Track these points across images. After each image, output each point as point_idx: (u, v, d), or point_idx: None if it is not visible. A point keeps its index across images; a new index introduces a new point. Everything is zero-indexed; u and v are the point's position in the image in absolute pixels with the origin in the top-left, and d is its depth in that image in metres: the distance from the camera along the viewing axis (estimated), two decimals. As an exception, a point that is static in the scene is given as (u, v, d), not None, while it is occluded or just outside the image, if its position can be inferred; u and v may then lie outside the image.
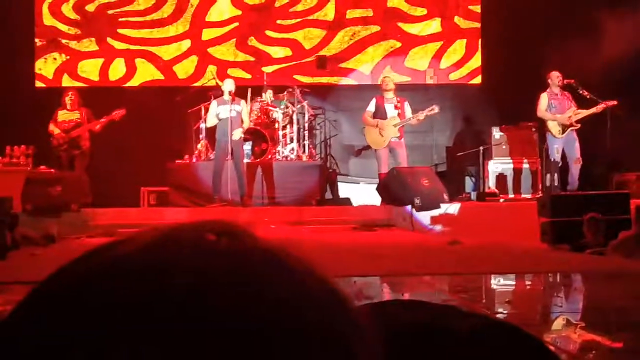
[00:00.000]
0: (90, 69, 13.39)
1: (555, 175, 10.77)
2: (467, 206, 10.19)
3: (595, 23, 12.74)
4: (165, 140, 12.22)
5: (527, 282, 5.26)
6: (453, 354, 0.63)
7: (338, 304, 0.49)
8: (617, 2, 12.87)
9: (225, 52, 13.21)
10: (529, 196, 11.27)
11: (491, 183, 11.68)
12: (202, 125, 11.83)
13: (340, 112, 13.24)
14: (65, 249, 7.64)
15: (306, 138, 12.17)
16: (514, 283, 5.29)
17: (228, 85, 10.94)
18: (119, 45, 13.37)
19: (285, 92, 12.24)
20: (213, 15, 13.26)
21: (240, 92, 11.26)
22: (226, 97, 10.86)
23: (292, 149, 11.95)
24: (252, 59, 13.14)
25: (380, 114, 11.28)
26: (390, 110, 11.29)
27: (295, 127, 12.00)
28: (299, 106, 12.13)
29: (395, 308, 0.70)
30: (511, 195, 11.44)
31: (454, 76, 13.33)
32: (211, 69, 13.08)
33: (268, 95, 12.07)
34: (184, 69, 13.12)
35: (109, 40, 13.36)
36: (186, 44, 13.27)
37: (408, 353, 0.63)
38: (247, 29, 13.11)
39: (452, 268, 5.57)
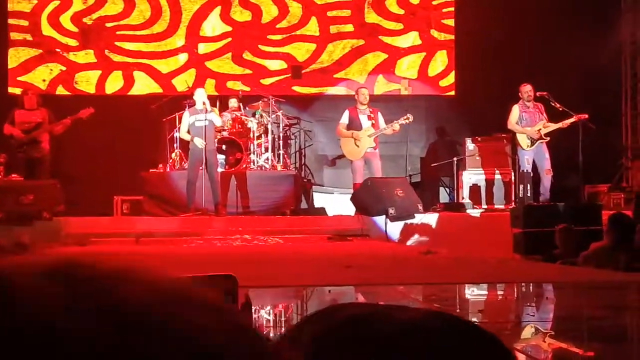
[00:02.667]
0: (87, 80, 13.34)
1: (528, 186, 10.86)
2: (441, 217, 10.24)
3: (567, 36, 12.91)
4: (139, 149, 12.16)
5: (500, 292, 5.29)
6: (391, 341, 0.63)
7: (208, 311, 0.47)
8: (588, 16, 13.05)
9: (223, 65, 13.31)
10: (502, 207, 11.36)
11: (465, 194, 11.75)
12: (177, 134, 11.79)
13: (316, 122, 13.27)
14: (37, 258, 7.56)
15: (281, 148, 12.17)
16: (486, 293, 5.33)
17: (200, 95, 10.91)
18: (116, 57, 13.37)
19: (260, 102, 12.24)
20: (206, 30, 13.39)
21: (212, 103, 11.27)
22: (199, 106, 10.83)
23: (267, 159, 11.94)
24: (249, 71, 13.29)
25: (354, 125, 11.32)
26: (364, 121, 11.34)
27: (270, 136, 12.00)
28: (273, 116, 12.14)
29: (344, 307, 0.70)
30: (484, 206, 11.52)
31: (443, 83, 13.45)
32: (185, 78, 13.06)
33: (233, 103, 12.09)
34: (183, 82, 13.05)
35: (107, 52, 13.35)
36: (183, 57, 13.33)
37: (345, 343, 0.63)
38: (241, 44, 13.26)
39: (426, 278, 5.59)
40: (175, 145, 11.89)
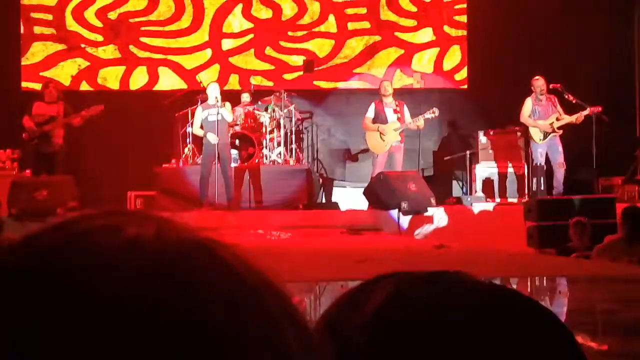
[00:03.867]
0: (111, 76, 13.36)
1: (542, 179, 10.81)
2: (454, 210, 10.22)
3: (580, 28, 12.84)
4: (152, 144, 12.19)
5: (514, 286, 5.28)
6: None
7: (275, 299, 0.48)
8: (601, 8, 12.97)
9: (246, 60, 13.38)
10: (515, 200, 11.32)
11: (478, 187, 11.72)
12: (189, 130, 11.81)
13: (328, 116, 13.26)
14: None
15: (293, 142, 12.17)
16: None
17: (212, 90, 10.91)
18: (141, 53, 13.39)
19: (272, 96, 12.25)
20: (229, 26, 13.48)
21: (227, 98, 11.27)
22: (211, 101, 10.84)
23: (279, 153, 11.95)
24: (272, 67, 13.36)
25: (380, 119, 11.29)
26: (390, 114, 11.31)
27: (282, 131, 12.01)
28: (285, 110, 12.14)
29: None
30: (497, 200, 11.49)
31: (458, 77, 13.49)
32: (199, 76, 13.08)
33: (245, 98, 12.10)
34: (207, 78, 13.08)
35: (132, 48, 13.36)
36: (208, 53, 13.40)
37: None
38: (262, 40, 13.36)
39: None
40: (188, 140, 11.91)
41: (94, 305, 0.42)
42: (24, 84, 13.12)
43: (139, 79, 13.39)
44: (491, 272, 5.63)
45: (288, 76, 13.34)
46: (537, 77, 10.97)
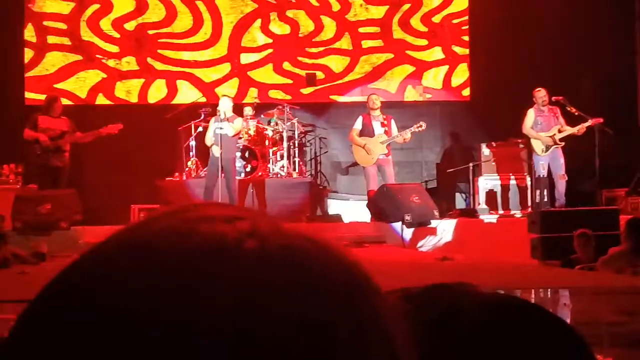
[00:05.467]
0: (128, 89, 13.31)
1: (544, 191, 10.81)
2: (458, 223, 10.22)
3: (582, 40, 12.87)
4: (156, 158, 12.20)
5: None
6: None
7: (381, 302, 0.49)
8: (602, 21, 13.00)
9: (265, 75, 13.49)
10: (518, 212, 11.31)
11: (481, 199, 11.71)
12: (192, 143, 11.83)
13: (331, 129, 13.29)
14: (55, 268, 7.61)
15: (296, 155, 12.20)
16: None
17: (221, 103, 10.91)
18: (159, 65, 13.37)
19: (275, 110, 12.29)
20: (247, 41, 13.59)
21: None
22: (221, 115, 10.83)
23: (283, 166, 11.97)
24: (290, 81, 13.50)
25: (367, 131, 11.33)
26: (377, 127, 11.34)
27: (285, 144, 12.03)
28: (288, 123, 12.17)
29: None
30: (500, 212, 11.48)
31: (465, 92, 13.68)
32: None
33: (248, 112, 12.13)
34: (226, 92, 13.10)
35: (150, 60, 13.33)
36: (227, 67, 13.47)
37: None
38: (280, 55, 13.50)
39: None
40: (191, 153, 11.93)
41: (216, 290, 0.43)
42: (33, 96, 12.93)
43: (157, 92, 13.35)
44: (495, 284, 5.63)
45: (305, 90, 13.45)
46: (538, 89, 10.99)
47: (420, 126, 11.29)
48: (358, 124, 11.42)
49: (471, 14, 13.52)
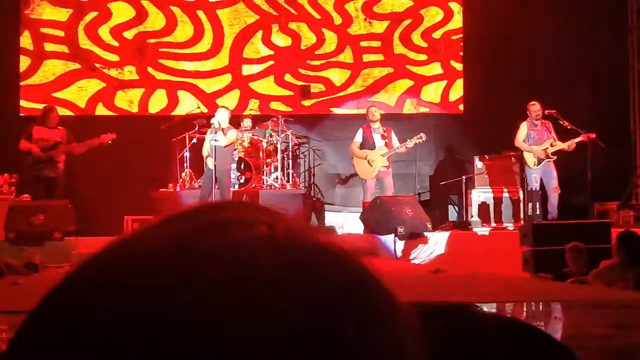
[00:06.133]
0: (130, 98, 13.21)
1: (537, 204, 10.85)
2: (451, 235, 10.24)
3: (576, 54, 12.95)
4: (150, 169, 12.20)
5: (509, 311, 5.29)
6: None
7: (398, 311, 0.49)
8: (596, 34, 13.09)
9: (266, 86, 13.49)
10: (510, 225, 11.35)
11: (474, 212, 11.74)
12: (186, 154, 11.84)
13: (325, 141, 13.32)
14: (48, 278, 7.60)
15: (290, 167, 12.22)
16: (495, 312, 5.32)
17: (217, 115, 10.93)
18: (159, 75, 13.27)
19: (270, 121, 12.32)
20: (249, 52, 13.56)
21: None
22: (215, 126, 10.85)
23: (276, 178, 11.99)
24: (291, 93, 13.49)
25: (367, 144, 11.37)
26: (377, 140, 11.39)
27: (279, 155, 12.06)
28: (283, 135, 12.20)
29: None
30: (493, 224, 11.51)
31: (462, 107, 13.75)
32: (195, 99, 13.11)
33: (246, 123, 12.15)
34: (227, 102, 13.08)
35: (150, 70, 13.22)
36: (227, 77, 13.44)
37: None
38: (282, 67, 13.52)
39: (434, 297, 5.59)
40: (185, 164, 11.94)
41: (235, 298, 0.42)
42: (30, 105, 12.85)
43: (160, 102, 13.27)
44: (487, 297, 5.65)
45: (306, 103, 13.49)
46: (533, 102, 11.05)
47: (421, 137, 11.34)
48: (358, 137, 11.45)
49: (465, 29, 13.61)
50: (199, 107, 12.73)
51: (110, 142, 10.79)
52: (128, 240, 0.47)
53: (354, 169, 11.73)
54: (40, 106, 11.90)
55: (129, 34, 13.24)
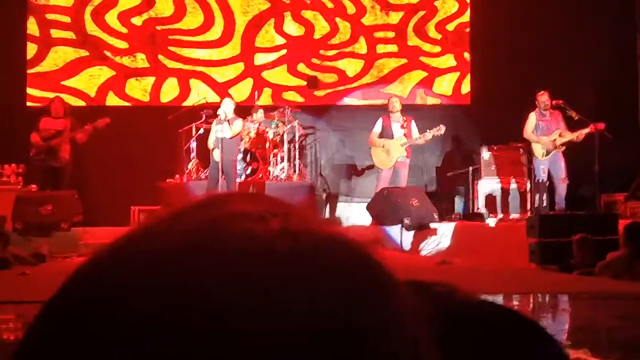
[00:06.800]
0: (143, 87, 13.04)
1: (544, 195, 10.82)
2: (457, 226, 10.23)
3: (584, 44, 12.89)
4: (156, 159, 12.21)
5: (515, 303, 5.29)
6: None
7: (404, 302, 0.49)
8: (604, 25, 13.03)
9: (279, 76, 13.39)
10: (517, 216, 11.32)
11: (480, 203, 11.72)
12: (193, 145, 11.84)
13: (332, 131, 13.30)
14: (56, 268, 7.63)
15: (297, 158, 12.21)
16: (502, 303, 5.32)
17: (223, 105, 10.91)
18: (171, 64, 13.09)
19: (276, 112, 12.29)
20: (261, 41, 13.43)
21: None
22: (222, 117, 10.83)
23: (283, 169, 11.98)
24: (303, 83, 13.41)
25: (386, 133, 11.37)
26: (396, 130, 11.38)
27: (285, 146, 12.04)
28: (289, 126, 12.18)
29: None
30: (500, 216, 11.48)
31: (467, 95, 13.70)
32: (200, 91, 13.07)
33: (259, 115, 12.11)
34: (239, 91, 13.03)
35: (161, 58, 13.00)
36: (240, 66, 13.30)
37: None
38: (295, 56, 13.41)
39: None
40: (191, 155, 11.94)
41: (246, 292, 0.42)
42: (38, 93, 12.76)
43: (173, 91, 13.12)
44: (493, 288, 5.64)
45: (319, 93, 13.43)
46: (541, 92, 10.98)
47: (440, 129, 11.34)
48: (378, 127, 11.45)
49: (473, 19, 13.56)
50: (205, 99, 12.68)
51: (104, 126, 10.77)
52: (140, 234, 0.47)
53: (371, 158, 11.72)
54: (50, 95, 11.88)
55: (137, 20, 13.02)
